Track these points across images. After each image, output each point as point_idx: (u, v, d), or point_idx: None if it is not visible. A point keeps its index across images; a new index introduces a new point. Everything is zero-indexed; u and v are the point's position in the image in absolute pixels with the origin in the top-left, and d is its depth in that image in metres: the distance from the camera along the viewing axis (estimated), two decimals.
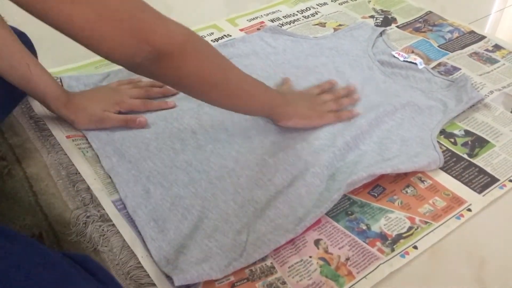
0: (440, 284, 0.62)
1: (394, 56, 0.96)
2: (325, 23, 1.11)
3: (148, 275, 0.60)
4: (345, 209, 0.69)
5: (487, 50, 1.02)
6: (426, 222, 0.67)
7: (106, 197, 0.69)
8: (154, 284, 0.59)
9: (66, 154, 0.75)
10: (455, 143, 0.80)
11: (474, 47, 1.02)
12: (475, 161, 0.77)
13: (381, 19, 1.12)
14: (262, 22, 1.11)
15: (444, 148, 0.79)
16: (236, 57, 0.96)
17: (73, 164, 0.74)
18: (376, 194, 0.71)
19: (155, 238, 0.63)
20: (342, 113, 0.80)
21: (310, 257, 0.63)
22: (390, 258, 0.63)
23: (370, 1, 1.19)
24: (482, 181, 0.74)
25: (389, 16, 1.13)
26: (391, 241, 0.65)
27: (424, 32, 1.07)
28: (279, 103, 0.75)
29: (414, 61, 0.94)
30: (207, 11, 1.16)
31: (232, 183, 0.70)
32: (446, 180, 0.74)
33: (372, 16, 1.13)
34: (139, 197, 0.68)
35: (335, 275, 0.61)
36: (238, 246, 0.62)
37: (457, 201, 0.71)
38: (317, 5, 1.18)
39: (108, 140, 0.77)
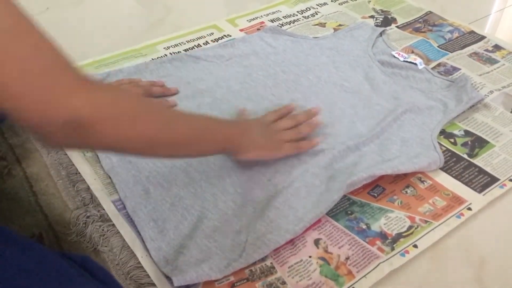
0: (440, 283, 0.62)
1: (394, 56, 0.96)
2: (325, 23, 1.11)
3: (148, 275, 0.60)
4: (345, 208, 0.69)
5: (487, 50, 1.02)
6: (426, 221, 0.67)
7: (106, 197, 0.69)
8: (154, 284, 0.59)
9: (66, 154, 0.75)
10: (455, 143, 0.80)
11: (474, 47, 1.02)
12: (475, 161, 0.77)
13: (381, 19, 1.12)
14: (262, 22, 1.11)
15: (444, 148, 0.79)
16: (236, 57, 0.96)
17: (73, 164, 0.74)
18: (376, 194, 0.71)
19: (155, 238, 0.63)
20: (301, 144, 0.73)
21: (310, 257, 0.63)
22: (390, 257, 0.63)
23: (370, 1, 1.19)
24: (482, 180, 0.74)
25: (389, 16, 1.13)
26: (391, 240, 0.65)
27: (424, 32, 1.07)
28: (234, 134, 0.68)
29: (414, 61, 0.94)
30: (207, 11, 1.16)
31: (231, 183, 0.70)
32: (446, 180, 0.74)
33: (372, 16, 1.13)
34: (138, 197, 0.68)
35: (335, 275, 0.61)
36: (238, 247, 0.62)
37: (457, 200, 0.71)
38: (317, 5, 1.18)
39: None
